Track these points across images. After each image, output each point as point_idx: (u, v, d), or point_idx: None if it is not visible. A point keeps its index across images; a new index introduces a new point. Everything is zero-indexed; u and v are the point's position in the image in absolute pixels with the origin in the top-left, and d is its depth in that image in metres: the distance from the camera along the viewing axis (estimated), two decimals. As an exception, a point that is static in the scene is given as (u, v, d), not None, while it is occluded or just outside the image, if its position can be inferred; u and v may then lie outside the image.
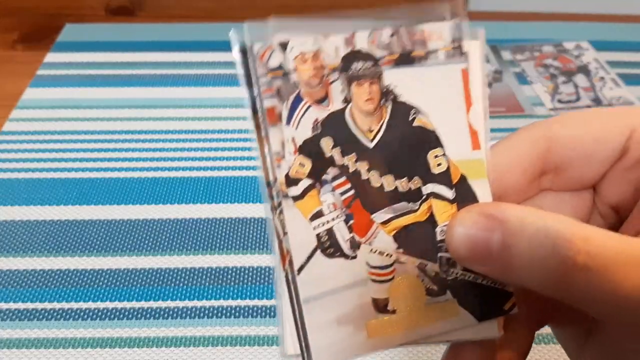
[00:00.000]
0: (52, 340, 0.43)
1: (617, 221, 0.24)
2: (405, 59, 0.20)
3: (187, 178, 0.58)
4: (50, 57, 0.75)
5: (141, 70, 0.73)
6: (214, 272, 0.48)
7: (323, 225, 0.20)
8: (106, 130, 0.64)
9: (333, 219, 0.20)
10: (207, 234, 0.52)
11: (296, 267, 0.19)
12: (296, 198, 0.19)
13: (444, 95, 0.20)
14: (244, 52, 0.18)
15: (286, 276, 0.19)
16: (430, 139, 0.20)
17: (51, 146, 0.62)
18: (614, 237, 0.18)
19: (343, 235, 0.20)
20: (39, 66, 0.73)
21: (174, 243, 0.51)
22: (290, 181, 0.19)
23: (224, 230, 0.52)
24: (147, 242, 0.51)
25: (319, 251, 0.19)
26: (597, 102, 0.68)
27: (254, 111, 0.19)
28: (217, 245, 0.51)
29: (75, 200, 0.55)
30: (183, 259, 0.49)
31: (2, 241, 0.51)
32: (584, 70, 0.74)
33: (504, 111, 0.67)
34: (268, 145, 0.19)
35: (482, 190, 0.21)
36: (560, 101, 0.68)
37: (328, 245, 0.20)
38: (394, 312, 0.20)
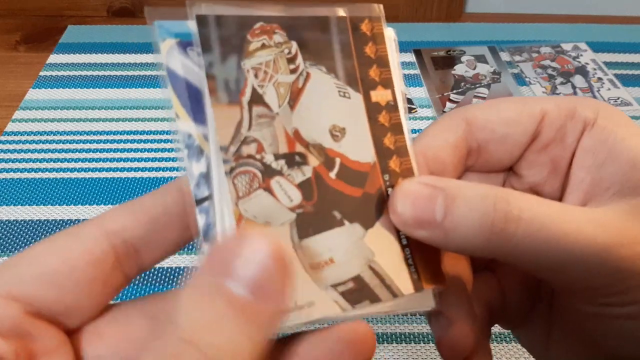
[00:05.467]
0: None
1: None
2: None
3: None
4: (53, 58, 0.76)
5: (143, 72, 0.74)
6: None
7: None
8: (108, 130, 0.64)
9: None
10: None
11: None
12: None
13: None
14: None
15: None
16: None
17: (53, 146, 0.62)
18: (547, 201, 0.20)
19: None
20: (42, 67, 0.74)
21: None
22: None
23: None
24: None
25: None
26: (595, 102, 0.68)
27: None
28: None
29: (78, 200, 0.56)
30: (184, 258, 0.50)
31: (4, 241, 0.52)
32: (582, 71, 0.74)
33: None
34: None
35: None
36: (557, 102, 0.69)
37: None
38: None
